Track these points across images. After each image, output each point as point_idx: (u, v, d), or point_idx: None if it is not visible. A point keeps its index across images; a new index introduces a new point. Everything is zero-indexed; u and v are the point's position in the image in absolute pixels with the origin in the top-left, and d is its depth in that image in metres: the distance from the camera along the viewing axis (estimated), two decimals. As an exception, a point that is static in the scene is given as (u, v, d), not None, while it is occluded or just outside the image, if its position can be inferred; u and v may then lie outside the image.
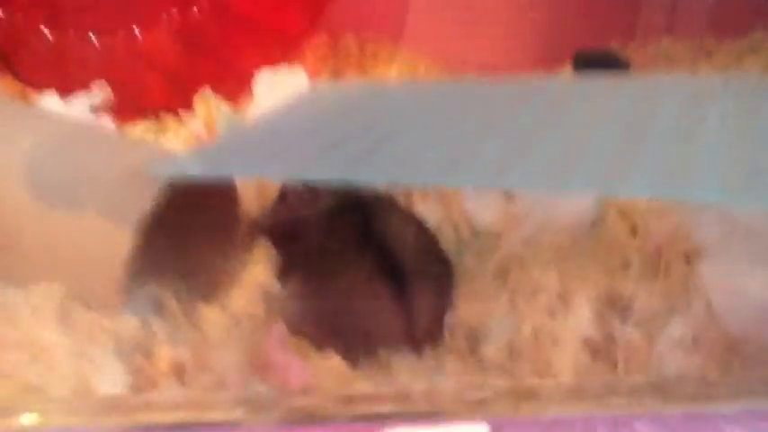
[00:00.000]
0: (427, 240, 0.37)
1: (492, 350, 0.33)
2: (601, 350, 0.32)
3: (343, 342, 0.34)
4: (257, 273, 0.36)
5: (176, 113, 0.54)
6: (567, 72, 0.70)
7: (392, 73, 0.68)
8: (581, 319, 0.33)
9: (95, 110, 0.50)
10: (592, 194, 0.29)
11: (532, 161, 0.28)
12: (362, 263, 0.35)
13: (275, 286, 0.35)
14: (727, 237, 0.33)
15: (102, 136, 0.37)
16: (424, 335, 0.35)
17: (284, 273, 0.36)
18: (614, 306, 0.35)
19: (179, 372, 0.29)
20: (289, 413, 0.24)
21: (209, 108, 0.50)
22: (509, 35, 0.74)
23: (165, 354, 0.29)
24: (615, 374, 0.31)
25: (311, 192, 0.38)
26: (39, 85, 0.53)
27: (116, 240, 0.32)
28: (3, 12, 0.57)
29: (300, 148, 0.33)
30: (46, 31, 0.59)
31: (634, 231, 0.44)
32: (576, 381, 0.30)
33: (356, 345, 0.34)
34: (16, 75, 0.52)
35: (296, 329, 0.34)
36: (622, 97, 0.35)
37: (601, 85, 0.40)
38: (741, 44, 0.67)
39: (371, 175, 0.30)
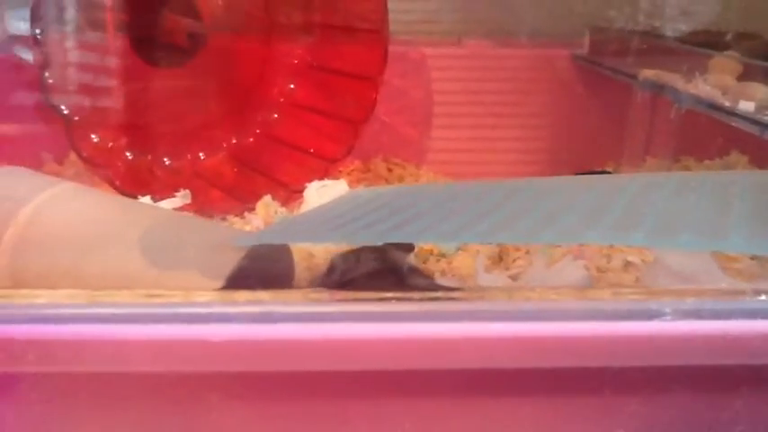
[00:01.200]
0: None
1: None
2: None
3: None
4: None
5: (241, 215, 0.65)
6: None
7: (416, 191, 0.79)
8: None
9: (177, 211, 0.61)
10: (568, 242, 0.37)
11: (523, 222, 0.38)
12: None
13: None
14: (672, 283, 0.41)
15: (196, 219, 0.47)
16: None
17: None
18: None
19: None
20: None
21: (268, 210, 0.61)
22: (516, 159, 0.86)
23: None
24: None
25: (356, 259, 0.48)
26: (127, 194, 0.64)
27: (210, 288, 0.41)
28: (98, 138, 0.70)
29: (344, 224, 0.43)
30: (129, 155, 0.72)
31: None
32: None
33: None
34: (112, 185, 0.63)
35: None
36: (603, 183, 0.45)
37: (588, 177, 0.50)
38: (717, 163, 0.78)
39: (400, 238, 0.39)
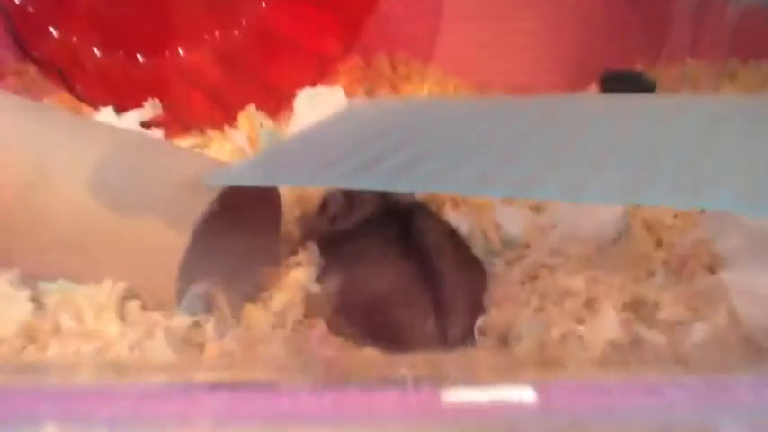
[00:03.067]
0: (461, 248, 0.40)
1: (522, 351, 0.34)
2: (627, 353, 0.34)
3: (380, 341, 0.36)
4: (299, 275, 0.38)
5: (221, 128, 0.57)
6: (593, 92, 0.71)
7: (423, 91, 0.70)
8: (607, 323, 0.34)
9: (146, 125, 0.52)
10: (613, 203, 0.30)
11: (557, 174, 0.30)
12: (401, 268, 0.37)
13: (316, 288, 0.38)
14: (748, 247, 0.35)
15: (160, 147, 0.40)
16: (457, 337, 0.37)
17: (325, 275, 0.38)
18: (639, 311, 0.37)
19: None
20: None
21: (252, 123, 0.53)
22: (537, 56, 0.76)
23: (214, 347, 0.32)
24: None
25: (351, 201, 0.41)
26: (92, 101, 0.56)
27: (173, 243, 0.34)
28: (59, 33, 0.60)
29: (341, 160, 0.35)
30: (97, 51, 0.63)
31: (659, 243, 0.46)
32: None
33: (393, 345, 0.36)
34: (72, 91, 0.55)
35: (336, 329, 0.37)
36: (646, 113, 0.37)
37: (625, 101, 0.42)
38: (766, 67, 0.68)
39: (408, 186, 0.32)
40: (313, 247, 0.39)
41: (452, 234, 0.40)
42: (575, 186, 0.29)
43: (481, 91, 0.71)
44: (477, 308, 0.37)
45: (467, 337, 0.37)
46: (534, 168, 0.31)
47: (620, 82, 0.73)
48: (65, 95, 0.56)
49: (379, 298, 0.37)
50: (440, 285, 0.37)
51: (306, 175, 0.35)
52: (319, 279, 0.38)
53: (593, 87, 0.72)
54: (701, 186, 0.28)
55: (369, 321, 0.37)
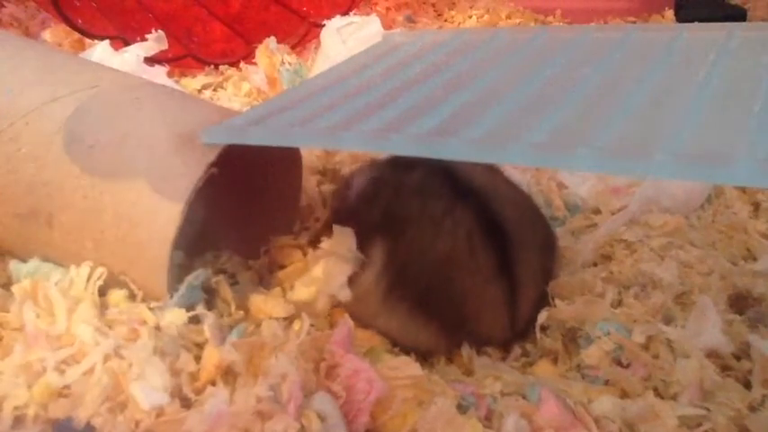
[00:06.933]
0: (529, 204, 0.32)
1: (594, 356, 0.28)
2: (731, 365, 0.27)
3: (443, 313, 0.29)
4: (324, 273, 0.30)
5: (237, 65, 0.49)
6: (667, 19, 0.63)
7: (471, 20, 0.62)
8: (705, 324, 0.27)
9: (149, 61, 0.45)
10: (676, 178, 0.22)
11: (603, 136, 0.23)
12: (458, 218, 0.29)
13: (346, 294, 0.30)
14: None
15: (154, 92, 0.32)
16: (528, 310, 0.30)
17: (367, 240, 0.30)
18: (742, 308, 0.29)
19: (229, 376, 0.25)
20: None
21: (272, 59, 0.45)
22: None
23: (214, 354, 0.25)
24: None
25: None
26: (93, 32, 0.49)
27: (163, 215, 0.28)
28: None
29: (367, 116, 0.28)
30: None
31: (756, 208, 0.38)
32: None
33: (458, 315, 0.29)
34: (69, 21, 0.47)
35: (390, 310, 0.30)
36: (724, 56, 0.29)
37: (697, 37, 0.33)
38: None
39: (450, 154, 0.25)
40: (347, 235, 0.31)
41: (516, 190, 0.33)
42: (616, 157, 0.22)
43: (538, 19, 0.62)
44: (542, 295, 0.30)
45: (539, 308, 0.30)
46: (573, 128, 0.24)
47: (700, 6, 0.64)
48: (65, 28, 0.49)
49: (437, 261, 0.29)
50: (507, 242, 0.29)
51: (323, 132, 0.27)
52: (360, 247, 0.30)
53: (667, 12, 0.63)
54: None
55: (429, 292, 0.29)
